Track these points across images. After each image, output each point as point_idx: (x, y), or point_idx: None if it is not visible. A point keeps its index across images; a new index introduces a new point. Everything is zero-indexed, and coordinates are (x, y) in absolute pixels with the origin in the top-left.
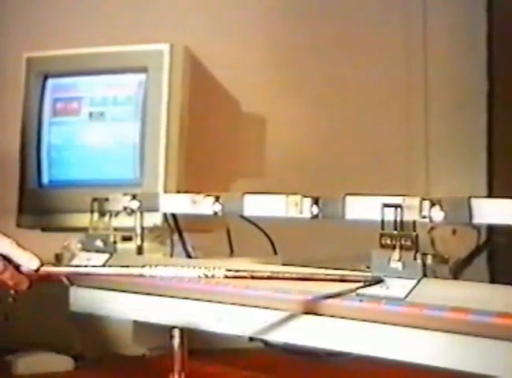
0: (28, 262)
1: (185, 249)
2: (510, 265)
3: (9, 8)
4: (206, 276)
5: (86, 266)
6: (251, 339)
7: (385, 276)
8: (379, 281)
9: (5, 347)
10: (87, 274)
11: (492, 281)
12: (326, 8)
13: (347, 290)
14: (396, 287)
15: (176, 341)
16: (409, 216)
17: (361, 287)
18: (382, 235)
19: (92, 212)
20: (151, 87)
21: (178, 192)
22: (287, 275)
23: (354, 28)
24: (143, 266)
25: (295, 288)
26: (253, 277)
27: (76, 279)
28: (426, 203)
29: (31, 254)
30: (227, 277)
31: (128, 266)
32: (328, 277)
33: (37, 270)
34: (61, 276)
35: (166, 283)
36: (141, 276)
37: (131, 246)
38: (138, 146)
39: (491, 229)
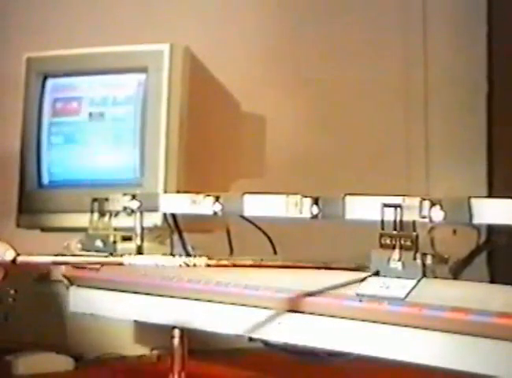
0: (4, 253)
1: (185, 249)
2: (510, 265)
3: (9, 8)
4: (187, 265)
5: (64, 255)
6: (251, 339)
7: (385, 275)
8: (366, 267)
9: (5, 347)
10: (66, 263)
11: (492, 281)
12: (326, 8)
13: (350, 281)
14: (396, 287)
15: (176, 341)
16: (409, 216)
17: (358, 280)
18: (382, 235)
19: (92, 212)
20: (151, 87)
21: (178, 192)
22: (269, 263)
23: (353, 28)
24: (122, 255)
25: (296, 288)
26: (235, 265)
27: (75, 279)
28: (426, 203)
29: (7, 245)
30: (208, 266)
31: (110, 255)
32: (313, 265)
33: (13, 261)
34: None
35: (166, 283)
36: (120, 264)
37: (131, 246)
38: (138, 146)
39: (491, 229)
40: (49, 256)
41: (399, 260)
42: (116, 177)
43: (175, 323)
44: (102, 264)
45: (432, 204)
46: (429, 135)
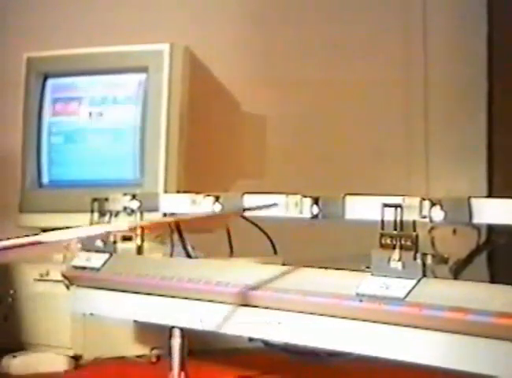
0: None
1: (185, 249)
2: (510, 265)
3: (8, 8)
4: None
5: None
6: (251, 339)
7: (385, 275)
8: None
9: (5, 347)
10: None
11: (492, 281)
12: (326, 8)
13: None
14: (396, 287)
15: (176, 341)
16: (409, 216)
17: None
18: (382, 235)
19: (92, 212)
20: (151, 87)
21: (178, 192)
22: None
23: (354, 28)
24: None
25: (296, 288)
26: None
27: (75, 279)
28: (426, 203)
29: None
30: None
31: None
32: None
33: None
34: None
35: (166, 283)
36: (39, 243)
37: (131, 246)
38: (138, 146)
39: (491, 229)
40: (33, 236)
41: (399, 260)
42: (116, 177)
43: (175, 323)
44: (19, 246)
45: (432, 204)
46: (429, 136)
